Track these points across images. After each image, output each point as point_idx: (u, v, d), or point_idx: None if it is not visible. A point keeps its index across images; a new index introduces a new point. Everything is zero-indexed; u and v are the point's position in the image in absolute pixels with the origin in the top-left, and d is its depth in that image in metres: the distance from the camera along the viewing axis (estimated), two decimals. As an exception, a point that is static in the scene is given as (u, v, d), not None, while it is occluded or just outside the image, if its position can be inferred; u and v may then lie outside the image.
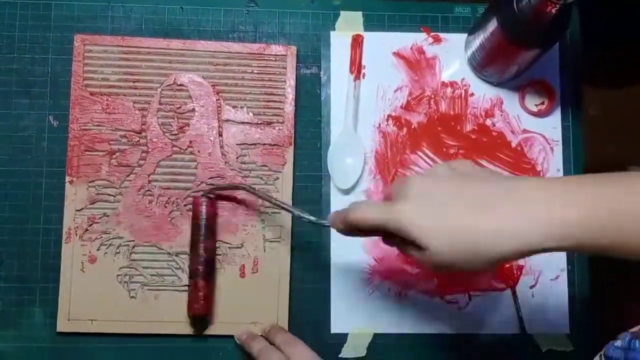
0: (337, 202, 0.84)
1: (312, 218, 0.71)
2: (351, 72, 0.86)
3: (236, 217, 0.83)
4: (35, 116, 0.83)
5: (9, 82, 0.84)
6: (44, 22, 0.85)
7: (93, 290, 0.81)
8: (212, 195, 0.81)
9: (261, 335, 0.80)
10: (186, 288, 0.81)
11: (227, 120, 0.84)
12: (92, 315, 0.81)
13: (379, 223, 0.57)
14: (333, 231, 0.82)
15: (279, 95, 0.85)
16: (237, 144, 0.84)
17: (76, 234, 0.81)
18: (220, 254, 0.82)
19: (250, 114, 0.84)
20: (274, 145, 0.84)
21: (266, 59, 0.85)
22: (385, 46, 0.88)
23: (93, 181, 0.82)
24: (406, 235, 0.55)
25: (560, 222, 0.51)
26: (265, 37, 0.87)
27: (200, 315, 0.80)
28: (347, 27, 0.88)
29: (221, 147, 0.84)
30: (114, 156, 0.83)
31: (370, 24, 0.88)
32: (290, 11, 0.88)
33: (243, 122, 0.84)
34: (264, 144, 0.84)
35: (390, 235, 0.59)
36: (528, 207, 0.52)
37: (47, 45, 0.85)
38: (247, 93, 0.85)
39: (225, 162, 0.84)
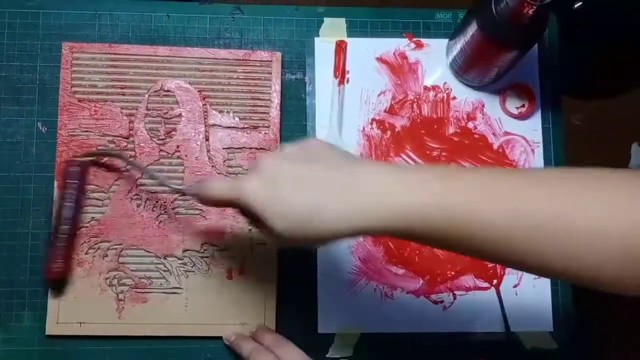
0: (323, 205, 0.86)
1: (175, 187, 0.74)
2: (335, 77, 0.88)
3: (223, 220, 0.84)
4: (23, 122, 0.84)
5: (-3, 89, 0.85)
6: (32, 30, 0.86)
7: (82, 293, 0.82)
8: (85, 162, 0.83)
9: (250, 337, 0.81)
10: (175, 290, 0.82)
11: (214, 125, 0.86)
12: (81, 318, 0.81)
13: (229, 198, 0.59)
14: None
15: (264, 100, 0.86)
16: (223, 148, 0.85)
17: None
18: (208, 256, 0.83)
19: (237, 118, 0.86)
20: (260, 149, 0.86)
21: (251, 65, 0.87)
22: (368, 51, 0.89)
23: None
24: (252, 212, 0.57)
25: (393, 208, 0.53)
26: (250, 44, 0.88)
27: (58, 279, 0.81)
28: (330, 33, 0.89)
29: (208, 151, 0.85)
30: (102, 161, 0.84)
31: (354, 30, 0.90)
32: (275, 18, 0.89)
33: (229, 127, 0.86)
34: (250, 148, 0.86)
35: (243, 211, 0.60)
36: (364, 193, 0.54)
37: (35, 53, 0.86)
38: (233, 98, 0.86)
39: (212, 166, 0.85)
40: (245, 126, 0.86)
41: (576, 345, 0.85)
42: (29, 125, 0.84)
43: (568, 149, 0.89)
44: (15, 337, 0.81)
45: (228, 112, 0.86)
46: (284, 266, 0.84)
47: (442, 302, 0.86)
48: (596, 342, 0.89)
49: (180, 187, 0.74)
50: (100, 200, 0.83)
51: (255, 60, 0.87)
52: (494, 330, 0.85)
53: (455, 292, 0.86)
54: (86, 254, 0.82)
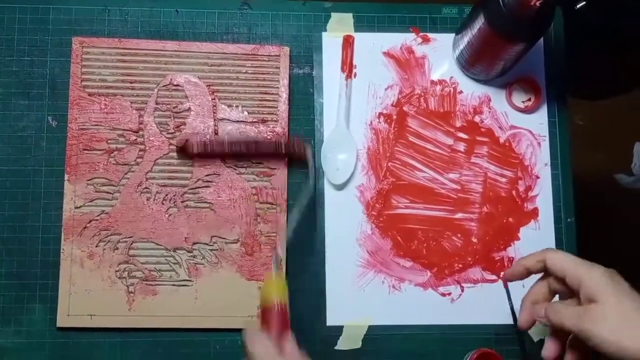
0: (331, 198, 0.87)
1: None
2: (343, 71, 0.89)
3: (232, 212, 0.85)
4: (34, 117, 0.85)
5: (8, 83, 0.85)
6: (43, 25, 0.87)
7: (92, 286, 0.82)
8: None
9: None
10: (184, 283, 0.83)
11: (223, 119, 0.86)
12: (91, 310, 0.82)
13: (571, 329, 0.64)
14: (328, 225, 0.84)
15: (272, 94, 0.87)
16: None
17: (75, 231, 0.83)
18: (217, 249, 0.84)
19: (245, 112, 0.86)
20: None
21: (260, 59, 0.87)
22: (375, 46, 0.90)
23: (91, 179, 0.84)
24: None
25: None
26: (258, 39, 0.89)
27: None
28: (338, 28, 0.90)
29: None
30: (112, 155, 0.84)
31: (361, 25, 0.90)
32: (282, 13, 0.90)
33: (238, 121, 0.86)
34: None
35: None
36: None
37: (45, 47, 0.86)
38: (241, 92, 0.87)
39: (221, 160, 0.86)
40: (254, 120, 0.86)
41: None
42: (40, 119, 0.85)
43: (574, 156, 0.90)
44: (26, 330, 0.82)
45: (237, 106, 0.86)
46: (292, 259, 0.85)
47: (449, 294, 0.86)
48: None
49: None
50: (110, 193, 0.84)
51: (264, 55, 0.87)
52: (501, 322, 0.86)
53: (462, 284, 0.86)
54: (96, 246, 0.83)
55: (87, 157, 0.84)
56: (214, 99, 0.86)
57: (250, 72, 0.87)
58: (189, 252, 0.84)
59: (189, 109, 0.86)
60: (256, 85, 0.87)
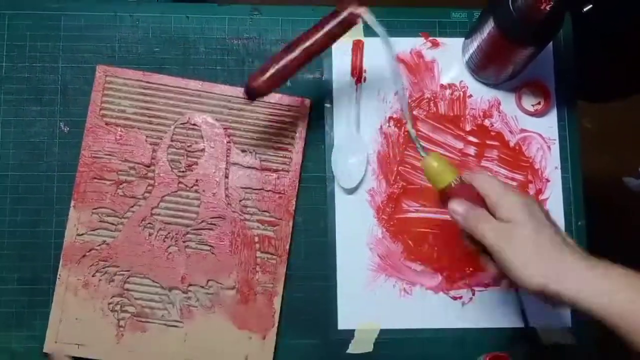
0: (342, 202, 0.87)
1: None
2: (353, 76, 0.89)
3: (232, 258, 0.85)
4: (46, 122, 0.86)
5: (20, 90, 0.86)
6: (53, 31, 0.87)
7: (83, 315, 0.83)
8: None
9: None
10: (175, 324, 0.83)
11: (235, 164, 0.86)
12: (79, 339, 0.82)
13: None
14: (339, 229, 0.84)
15: (287, 144, 0.87)
16: (241, 187, 0.86)
17: (74, 258, 0.83)
18: (212, 294, 0.84)
19: (258, 159, 0.86)
20: (278, 192, 0.86)
21: (279, 109, 0.87)
22: (385, 51, 0.90)
23: (97, 208, 0.84)
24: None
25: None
26: (268, 44, 0.89)
27: (255, 92, 0.78)
28: (347, 33, 0.90)
29: (226, 188, 0.86)
30: (120, 186, 0.85)
31: (370, 30, 0.89)
32: (292, 19, 0.90)
33: (250, 167, 0.86)
34: (268, 191, 0.86)
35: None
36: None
37: (57, 54, 0.87)
38: (257, 139, 0.87)
39: (228, 204, 0.85)
40: (265, 168, 0.86)
41: (595, 341, 0.85)
42: (52, 125, 0.86)
43: (583, 159, 0.90)
44: (39, 335, 0.82)
45: (251, 152, 0.86)
46: (303, 263, 0.86)
47: (461, 297, 0.86)
48: (616, 337, 0.89)
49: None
50: (114, 224, 0.84)
51: (284, 105, 0.87)
52: (512, 326, 0.86)
53: (474, 287, 0.87)
54: (93, 276, 0.83)
55: (95, 186, 0.84)
56: (228, 142, 0.86)
57: (267, 119, 0.87)
58: (184, 292, 0.84)
59: (202, 150, 0.86)
60: (272, 134, 0.87)
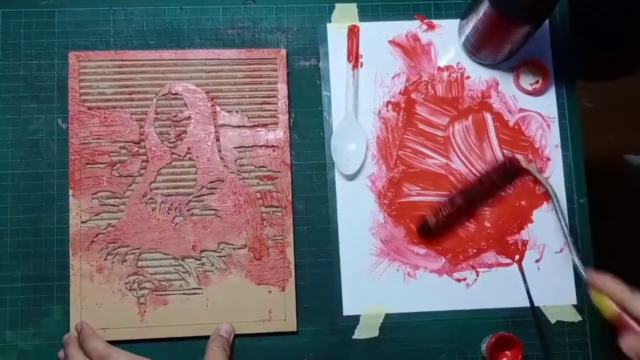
0: (342, 188, 0.87)
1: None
2: (349, 61, 0.89)
3: (238, 218, 0.85)
4: (44, 119, 0.86)
5: (17, 88, 0.86)
6: (48, 28, 0.87)
7: (103, 299, 0.83)
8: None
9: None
10: (195, 291, 0.83)
11: (223, 125, 0.86)
12: (103, 323, 0.82)
13: None
14: (340, 216, 0.84)
15: (272, 97, 0.87)
16: (234, 147, 0.86)
17: (83, 246, 0.83)
18: (225, 256, 0.84)
19: (245, 117, 0.86)
20: (271, 146, 0.86)
21: (256, 63, 0.87)
22: (380, 35, 0.90)
23: (96, 193, 0.84)
24: None
25: None
26: (263, 32, 0.89)
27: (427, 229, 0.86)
28: (342, 18, 0.90)
29: (219, 151, 0.86)
30: (115, 167, 0.85)
31: (365, 15, 0.90)
32: (286, 6, 0.90)
33: (239, 126, 0.86)
34: (261, 146, 0.86)
35: None
36: None
37: (52, 50, 0.87)
38: (240, 97, 0.87)
39: (224, 166, 0.86)
40: (255, 124, 0.86)
41: (601, 317, 0.85)
42: (49, 121, 0.86)
43: (585, 139, 0.90)
44: (45, 332, 0.82)
45: (237, 111, 0.86)
46: (306, 251, 0.85)
47: (465, 279, 0.86)
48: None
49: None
50: (116, 206, 0.84)
51: (260, 58, 0.87)
52: (518, 305, 0.86)
53: (477, 269, 0.86)
54: (105, 260, 0.83)
55: (90, 172, 0.84)
56: (213, 105, 0.86)
57: (247, 76, 0.87)
58: (197, 260, 0.84)
59: (189, 117, 0.86)
60: (255, 89, 0.87)
